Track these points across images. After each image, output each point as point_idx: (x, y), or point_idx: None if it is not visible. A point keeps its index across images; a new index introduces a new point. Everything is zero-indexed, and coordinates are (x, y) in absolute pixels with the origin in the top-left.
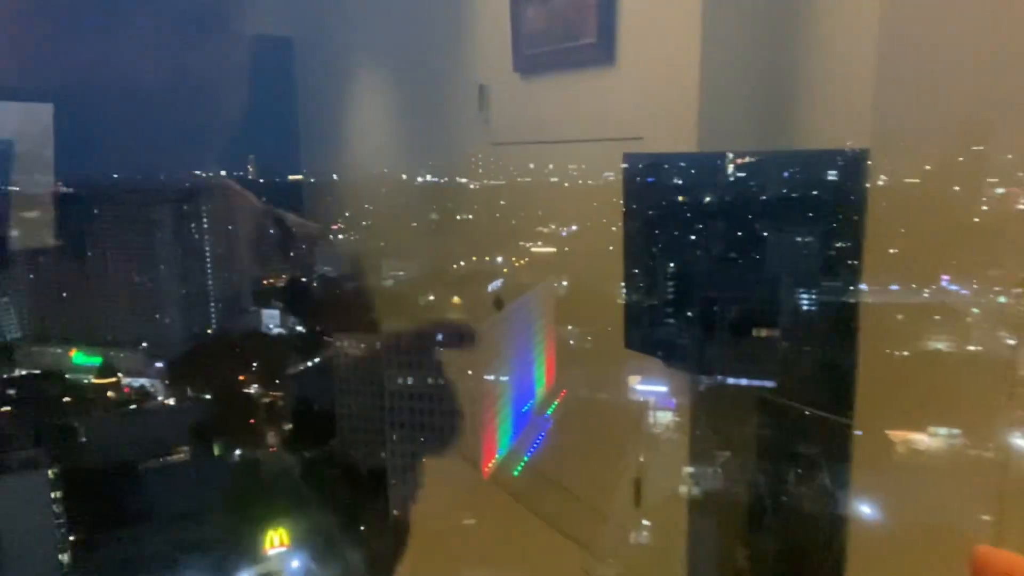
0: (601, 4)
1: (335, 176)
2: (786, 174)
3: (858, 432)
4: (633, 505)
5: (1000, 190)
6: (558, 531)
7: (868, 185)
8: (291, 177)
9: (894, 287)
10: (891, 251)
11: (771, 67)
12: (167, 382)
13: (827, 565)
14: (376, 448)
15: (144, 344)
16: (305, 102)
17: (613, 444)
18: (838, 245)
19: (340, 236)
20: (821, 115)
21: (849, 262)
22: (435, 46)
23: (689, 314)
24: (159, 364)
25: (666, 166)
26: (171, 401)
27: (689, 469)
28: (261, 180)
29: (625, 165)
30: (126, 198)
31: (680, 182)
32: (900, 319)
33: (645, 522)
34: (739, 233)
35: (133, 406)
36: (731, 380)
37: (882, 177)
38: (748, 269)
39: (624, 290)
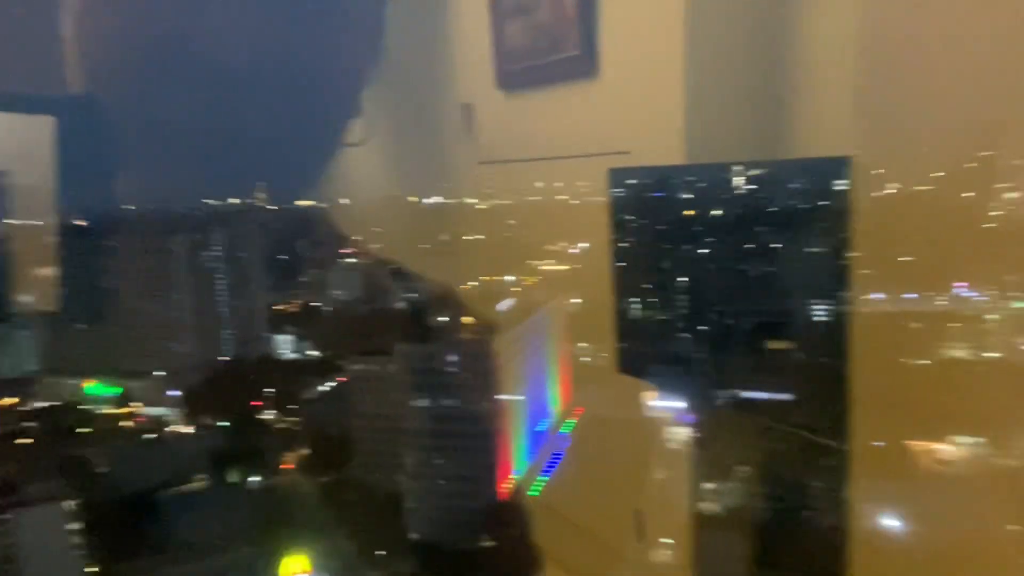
0: (583, 15)
1: (346, 200)
2: (776, 184)
3: (879, 443)
4: (636, 539)
5: (1013, 194)
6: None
7: (856, 192)
8: (299, 203)
9: (911, 295)
10: (904, 259)
11: (757, 75)
12: None
13: None
14: (393, 471)
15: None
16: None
17: (628, 465)
18: (835, 255)
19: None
20: (809, 123)
21: (850, 272)
22: (417, 66)
23: (680, 333)
24: None
25: (653, 180)
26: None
27: (708, 485)
28: (272, 207)
29: (611, 180)
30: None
31: (670, 195)
32: (916, 327)
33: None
34: (728, 246)
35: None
36: (735, 394)
37: (893, 185)
38: (737, 282)
39: (616, 309)
